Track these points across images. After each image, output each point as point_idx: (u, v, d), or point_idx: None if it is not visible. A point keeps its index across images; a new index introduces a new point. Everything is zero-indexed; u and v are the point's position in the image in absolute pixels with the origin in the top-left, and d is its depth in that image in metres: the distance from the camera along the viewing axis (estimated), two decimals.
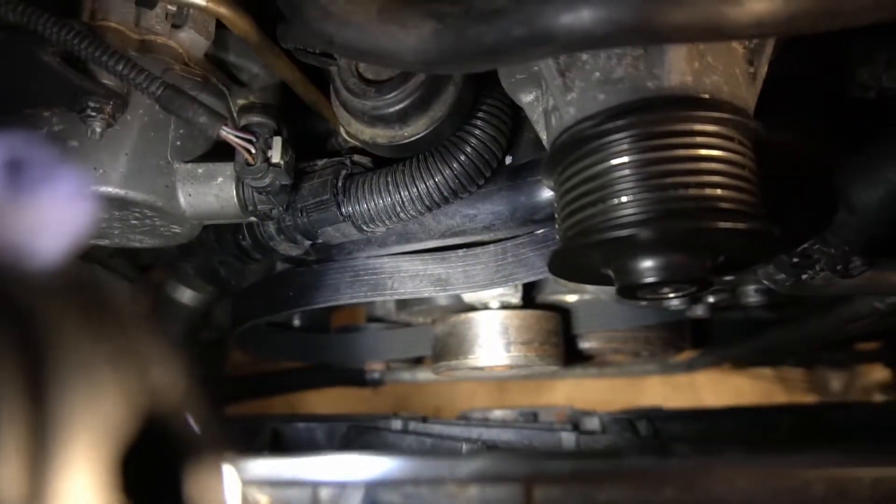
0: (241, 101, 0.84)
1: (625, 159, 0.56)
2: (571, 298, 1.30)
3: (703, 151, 0.55)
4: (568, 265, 0.63)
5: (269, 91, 0.85)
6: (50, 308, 0.20)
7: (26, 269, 0.23)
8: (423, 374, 1.91)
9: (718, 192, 0.54)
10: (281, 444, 1.10)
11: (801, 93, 0.73)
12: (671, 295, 0.62)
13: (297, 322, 1.52)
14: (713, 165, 0.55)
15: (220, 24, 0.76)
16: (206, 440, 0.23)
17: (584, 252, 0.59)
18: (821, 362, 2.14)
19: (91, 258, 1.11)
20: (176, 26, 0.72)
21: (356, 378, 1.84)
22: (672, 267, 0.58)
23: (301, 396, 2.21)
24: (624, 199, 0.55)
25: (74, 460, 0.19)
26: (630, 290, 0.61)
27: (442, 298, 1.24)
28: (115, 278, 1.15)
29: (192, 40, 0.74)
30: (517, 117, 0.83)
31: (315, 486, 0.59)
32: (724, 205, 0.54)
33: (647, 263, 0.58)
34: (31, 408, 0.18)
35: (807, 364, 2.22)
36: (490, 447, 1.02)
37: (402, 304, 1.33)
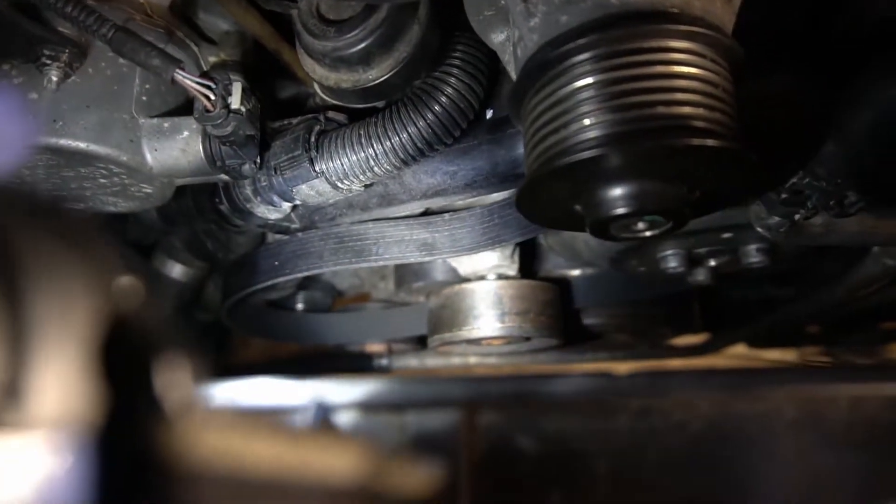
0: (212, 59, 0.82)
1: (588, 80, 0.53)
2: (573, 272, 1.26)
3: (672, 68, 0.51)
4: (535, 201, 0.59)
5: (241, 48, 0.83)
6: (22, 223, 0.21)
7: None
8: (432, 360, 1.87)
9: (688, 109, 0.51)
10: None
11: (787, 30, 0.68)
12: (647, 232, 0.58)
13: (299, 305, 1.51)
14: (683, 83, 0.51)
15: None
16: (170, 338, 0.25)
17: (549, 183, 0.56)
18: (845, 344, 2.06)
19: None
20: None
21: (364, 365, 1.82)
22: (643, 195, 0.54)
23: None
24: (587, 121, 0.52)
25: (51, 352, 0.20)
26: (601, 225, 0.57)
27: (439, 273, 1.21)
28: None
29: None
30: (496, 69, 0.80)
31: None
32: (694, 123, 0.50)
33: (617, 192, 0.54)
34: (7, 307, 0.20)
35: (830, 347, 2.13)
36: None
37: (401, 282, 1.30)
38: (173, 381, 0.24)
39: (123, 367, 0.22)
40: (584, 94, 0.53)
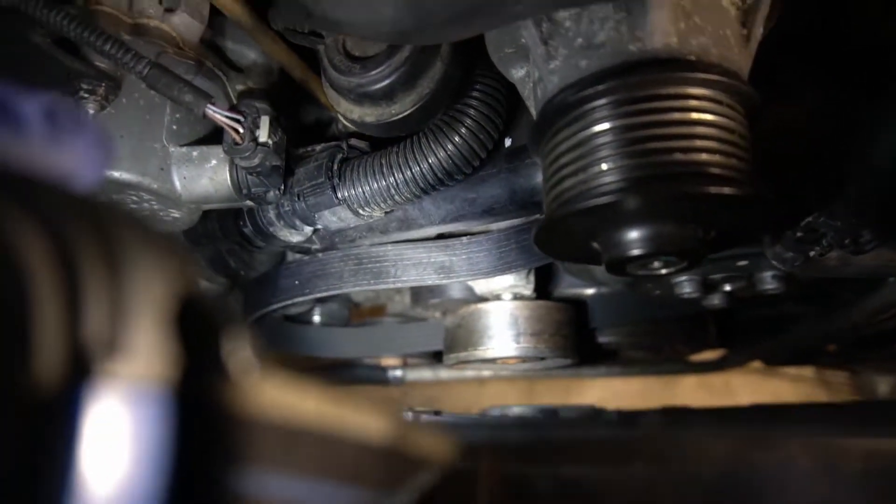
0: (239, 87, 0.84)
1: (606, 125, 0.54)
2: (588, 291, 1.27)
3: (689, 115, 0.53)
4: (554, 239, 0.61)
5: (267, 77, 0.86)
6: (111, 212, 0.27)
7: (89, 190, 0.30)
8: (446, 373, 1.89)
9: (705, 156, 0.52)
10: None
11: (803, 54, 0.69)
12: (662, 270, 0.59)
13: (316, 318, 1.53)
14: (700, 129, 0.52)
15: (216, 10, 0.77)
16: (229, 315, 0.30)
17: (567, 223, 0.57)
18: (866, 364, 2.04)
19: None
20: (169, 10, 0.73)
21: (378, 376, 1.84)
22: (660, 238, 0.55)
23: None
24: (605, 166, 0.53)
25: (142, 318, 0.25)
26: (618, 264, 0.58)
27: (455, 291, 1.22)
28: None
29: (185, 24, 0.74)
30: (514, 98, 0.81)
31: None
32: (711, 170, 0.52)
33: (633, 234, 0.56)
34: (112, 279, 0.24)
35: (851, 366, 2.11)
36: None
37: (417, 299, 1.32)
38: (236, 346, 0.29)
39: (195, 334, 0.27)
40: (603, 139, 0.54)
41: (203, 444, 0.27)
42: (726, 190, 0.50)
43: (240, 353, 0.29)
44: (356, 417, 0.34)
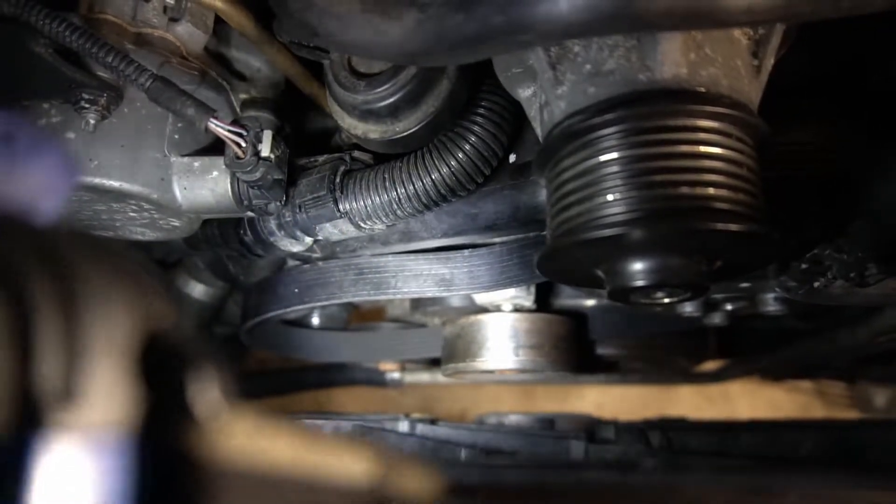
0: (243, 96, 0.83)
1: (613, 155, 0.53)
2: (589, 303, 1.26)
3: (698, 148, 0.52)
4: (556, 266, 0.60)
5: (271, 86, 0.85)
6: (78, 251, 0.25)
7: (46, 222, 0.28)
8: (444, 378, 1.89)
9: (712, 191, 0.51)
10: None
11: (819, 90, 0.68)
12: (665, 300, 0.59)
13: (315, 321, 1.53)
14: (708, 163, 0.52)
15: (220, 19, 0.76)
16: (199, 352, 0.28)
17: (571, 252, 0.56)
18: (864, 377, 2.03)
19: None
20: (173, 20, 0.72)
21: (376, 378, 1.84)
22: (664, 270, 0.55)
23: (330, 395, 2.22)
24: (611, 196, 0.53)
25: (100, 361, 0.23)
26: (621, 293, 0.58)
27: (455, 299, 1.22)
28: None
29: (189, 34, 0.73)
30: (520, 115, 0.81)
31: None
32: (718, 205, 0.51)
33: (638, 266, 0.55)
34: (65, 321, 0.23)
35: (848, 378, 2.11)
36: (489, 453, 0.99)
37: (417, 305, 1.32)
38: (203, 388, 0.27)
39: (159, 376, 0.25)
40: (609, 169, 0.53)
41: (167, 494, 0.25)
42: (732, 227, 0.50)
43: (208, 395, 0.27)
44: (335, 460, 0.33)
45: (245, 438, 0.29)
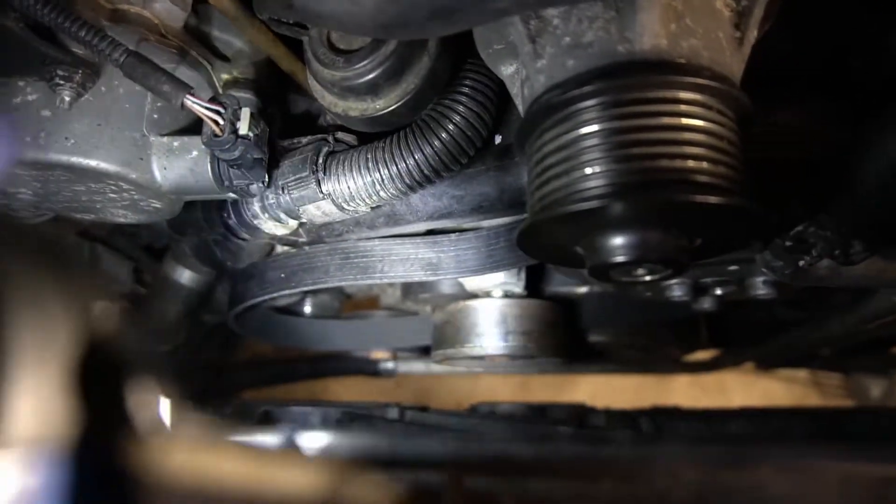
0: (225, 77, 0.83)
1: (593, 128, 0.52)
2: (580, 290, 1.25)
3: (677, 120, 0.51)
4: (537, 242, 0.59)
5: (254, 67, 0.84)
6: (3, 249, 0.23)
7: None
8: (439, 366, 1.88)
9: (691, 163, 0.50)
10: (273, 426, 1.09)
11: (803, 73, 0.67)
12: (646, 277, 0.58)
13: (307, 310, 1.52)
14: (687, 135, 0.51)
15: None
16: (141, 361, 0.26)
17: (551, 227, 0.55)
18: (859, 367, 2.03)
19: (92, 236, 1.12)
20: None
21: (369, 368, 1.83)
22: (644, 245, 0.54)
23: (325, 385, 2.22)
24: (589, 170, 0.52)
25: (29, 373, 0.21)
26: (601, 269, 0.57)
27: (446, 286, 1.21)
28: (118, 257, 1.15)
29: (168, 11, 0.72)
30: (505, 95, 0.80)
31: None
32: (697, 177, 0.50)
33: (617, 241, 0.54)
34: None
35: (844, 369, 2.10)
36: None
37: (408, 292, 1.31)
38: (144, 401, 0.26)
39: (97, 387, 0.24)
40: (588, 142, 0.52)
41: None
42: (712, 199, 0.49)
43: (148, 409, 0.25)
44: (284, 475, 0.32)
45: (187, 454, 0.27)
